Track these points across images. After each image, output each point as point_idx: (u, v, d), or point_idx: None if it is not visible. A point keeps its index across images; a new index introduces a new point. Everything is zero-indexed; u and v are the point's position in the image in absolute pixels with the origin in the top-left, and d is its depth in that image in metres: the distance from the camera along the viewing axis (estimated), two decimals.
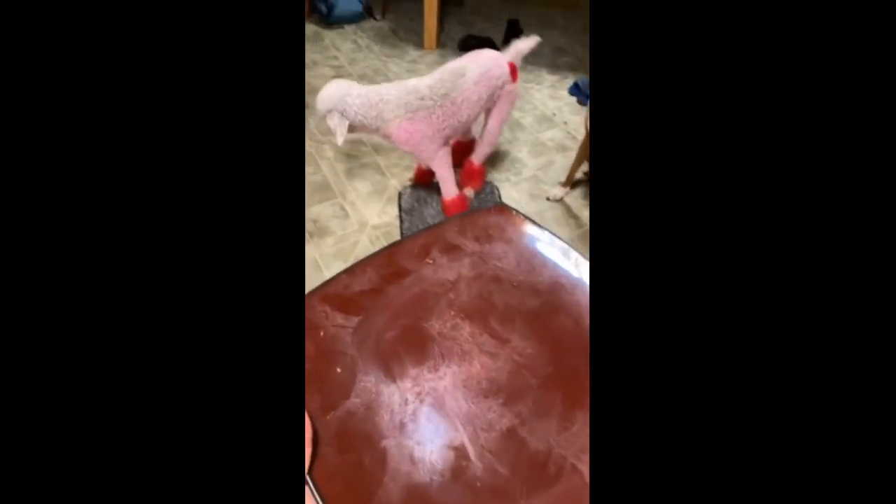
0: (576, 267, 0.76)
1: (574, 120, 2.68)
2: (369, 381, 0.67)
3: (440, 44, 3.30)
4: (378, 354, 0.70)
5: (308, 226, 2.02)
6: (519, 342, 0.70)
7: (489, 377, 0.68)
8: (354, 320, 0.72)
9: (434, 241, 0.79)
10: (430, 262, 0.77)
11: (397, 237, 2.10)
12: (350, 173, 2.23)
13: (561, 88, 2.98)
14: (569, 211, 2.14)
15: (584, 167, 2.14)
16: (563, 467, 0.63)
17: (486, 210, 0.82)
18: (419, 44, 3.26)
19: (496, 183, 2.14)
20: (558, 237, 0.79)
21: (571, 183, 2.17)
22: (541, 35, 3.00)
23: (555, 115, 2.73)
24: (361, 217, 2.05)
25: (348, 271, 0.76)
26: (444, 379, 0.67)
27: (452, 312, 0.73)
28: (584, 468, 0.62)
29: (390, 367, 0.69)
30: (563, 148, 2.42)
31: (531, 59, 2.76)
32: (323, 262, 1.86)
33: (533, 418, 0.65)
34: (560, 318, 0.72)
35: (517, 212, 0.82)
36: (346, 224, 2.02)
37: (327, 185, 2.17)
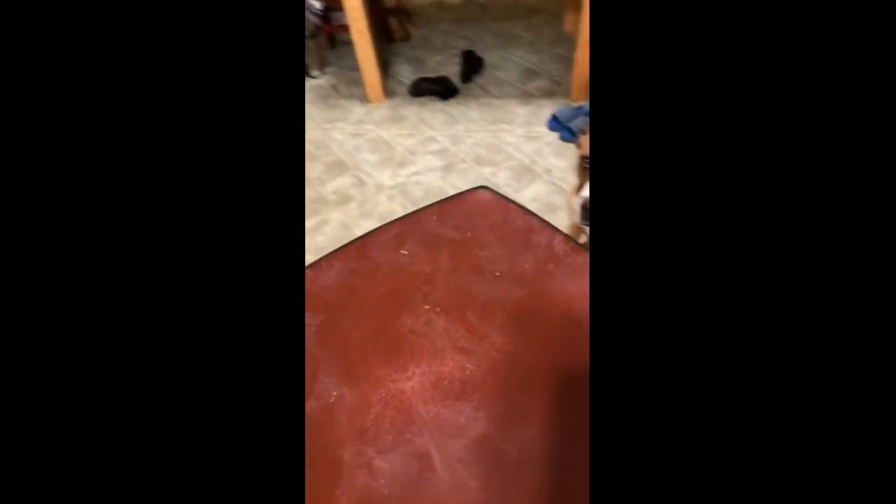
0: (567, 254, 0.67)
1: (558, 166, 2.12)
2: (330, 382, 0.61)
3: (388, 93, 2.61)
4: (342, 354, 0.63)
5: (332, 197, 2.02)
6: (498, 337, 0.62)
7: (462, 377, 0.59)
8: (318, 318, 0.66)
9: (410, 230, 0.72)
10: (405, 253, 0.70)
11: (413, 195, 1.99)
12: (358, 149, 2.20)
13: (537, 123, 2.33)
14: None
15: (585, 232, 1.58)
16: (544, 482, 0.54)
17: (468, 193, 0.74)
18: (364, 98, 2.60)
19: None
20: (547, 223, 0.71)
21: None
22: (504, 58, 2.59)
23: (535, 162, 2.15)
24: (377, 181, 2.03)
25: (314, 266, 0.70)
26: (413, 380, 0.60)
27: (427, 307, 0.65)
28: (570, 487, 0.52)
29: (354, 368, 0.62)
30: (550, 208, 1.87)
31: (495, 91, 2.44)
32: (351, 221, 1.87)
33: (510, 423, 0.56)
34: (547, 310, 0.63)
35: (502, 195, 0.74)
36: (364, 190, 2.02)
37: (341, 161, 2.15)
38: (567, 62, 2.50)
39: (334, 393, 0.60)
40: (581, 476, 0.53)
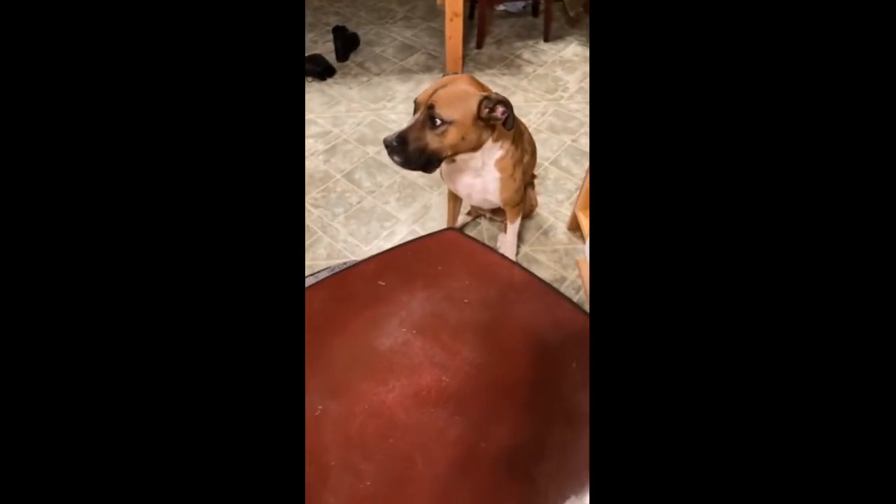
0: (524, 284, 0.77)
1: None
2: (315, 397, 0.65)
3: None
4: (326, 372, 0.67)
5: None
6: (470, 353, 0.69)
7: (439, 387, 0.65)
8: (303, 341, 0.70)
9: (387, 264, 0.80)
10: (383, 284, 0.77)
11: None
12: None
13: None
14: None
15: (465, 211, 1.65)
16: (517, 474, 0.59)
17: (438, 235, 0.84)
18: None
19: (363, 257, 1.36)
20: (506, 258, 0.81)
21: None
22: (380, 34, 2.49)
23: None
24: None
25: None
26: (393, 392, 0.65)
27: (404, 330, 0.72)
28: (541, 477, 0.58)
29: (338, 384, 0.66)
30: (437, 184, 1.82)
31: (374, 68, 2.35)
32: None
33: (485, 424, 0.62)
34: (510, 331, 0.72)
35: (468, 236, 0.84)
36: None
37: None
38: (441, 35, 2.48)
39: (319, 407, 0.64)
40: (551, 467, 0.59)
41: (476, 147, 1.01)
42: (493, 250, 0.82)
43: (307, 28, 2.63)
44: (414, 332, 0.71)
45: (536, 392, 0.65)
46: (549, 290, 0.76)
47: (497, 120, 0.97)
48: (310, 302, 0.74)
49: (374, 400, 0.64)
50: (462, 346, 0.69)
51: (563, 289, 1.44)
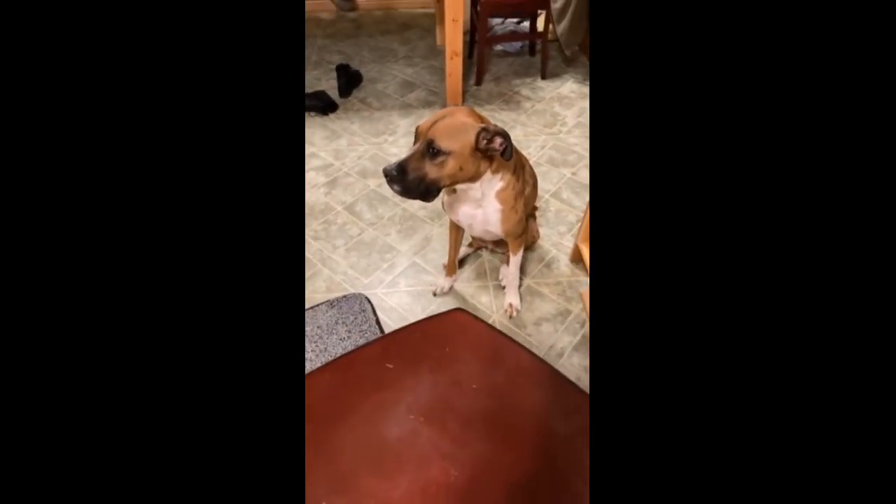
0: (533, 368, 0.78)
1: None
2: (320, 492, 0.64)
3: None
4: (332, 463, 0.67)
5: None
6: (479, 444, 0.69)
7: (447, 483, 0.65)
8: (309, 428, 0.70)
9: (395, 346, 0.80)
10: (391, 367, 0.77)
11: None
12: None
13: None
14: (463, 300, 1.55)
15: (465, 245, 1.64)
16: None
17: (445, 315, 0.85)
18: None
19: (363, 290, 1.56)
20: (514, 341, 0.82)
21: (456, 265, 1.58)
22: (382, 72, 2.60)
23: None
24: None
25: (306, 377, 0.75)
26: (400, 488, 0.65)
27: (412, 417, 0.72)
28: None
29: (343, 477, 0.66)
30: (438, 216, 1.83)
31: (375, 104, 2.44)
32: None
33: None
34: (519, 420, 0.72)
35: (476, 317, 0.85)
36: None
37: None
38: (442, 73, 2.59)
39: (323, 502, 0.64)
40: None
41: (474, 178, 1.03)
42: (501, 333, 0.82)
43: (311, 66, 2.76)
44: (422, 419, 0.71)
45: (548, 488, 0.65)
46: (557, 376, 0.77)
47: (495, 151, 0.98)
48: (316, 386, 0.74)
49: (381, 497, 0.64)
50: (471, 436, 0.70)
51: (567, 322, 1.45)
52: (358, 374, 0.77)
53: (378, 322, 1.42)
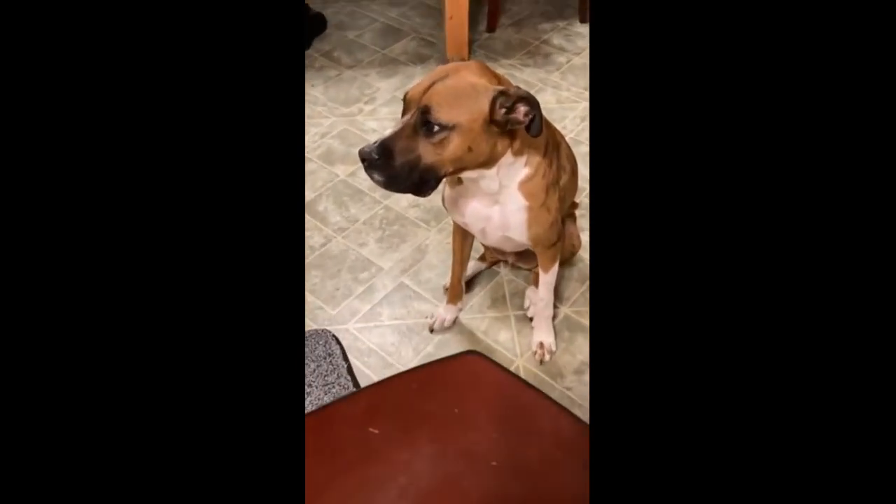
0: (576, 437, 0.74)
1: None
2: None
3: None
4: None
5: None
6: None
7: None
8: None
9: (382, 402, 0.76)
10: (376, 432, 0.73)
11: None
12: None
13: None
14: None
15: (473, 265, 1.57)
16: None
17: (454, 359, 0.81)
18: None
19: (329, 324, 1.51)
20: (551, 399, 0.78)
21: (462, 288, 1.50)
22: (354, 14, 2.54)
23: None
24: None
25: None
26: None
27: None
28: None
29: None
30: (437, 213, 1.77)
31: (346, 59, 2.36)
32: None
33: None
34: None
35: (497, 364, 0.81)
36: None
37: None
38: (439, 15, 2.48)
39: None
40: None
41: (489, 162, 0.98)
42: (529, 385, 0.78)
43: None
44: None
45: None
46: None
47: (518, 124, 0.93)
48: None
49: None
50: None
51: None
52: (331, 440, 0.73)
53: (350, 370, 1.36)
